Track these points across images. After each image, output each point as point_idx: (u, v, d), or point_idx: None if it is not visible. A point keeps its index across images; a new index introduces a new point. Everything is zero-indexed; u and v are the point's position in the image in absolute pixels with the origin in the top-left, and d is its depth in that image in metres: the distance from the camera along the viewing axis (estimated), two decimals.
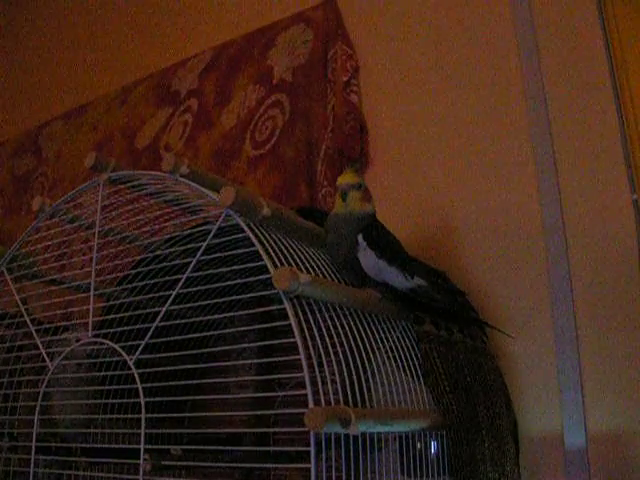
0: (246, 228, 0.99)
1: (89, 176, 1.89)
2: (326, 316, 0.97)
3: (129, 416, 1.13)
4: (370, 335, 1.05)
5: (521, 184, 1.48)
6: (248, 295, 1.03)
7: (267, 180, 1.81)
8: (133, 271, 1.28)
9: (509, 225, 1.48)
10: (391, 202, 1.60)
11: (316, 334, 0.92)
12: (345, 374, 0.93)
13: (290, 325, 0.90)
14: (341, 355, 0.95)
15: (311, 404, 0.85)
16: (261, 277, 0.96)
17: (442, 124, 1.64)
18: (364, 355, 1.00)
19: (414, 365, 1.12)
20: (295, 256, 1.03)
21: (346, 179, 1.16)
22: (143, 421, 1.03)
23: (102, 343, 1.15)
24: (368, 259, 1.12)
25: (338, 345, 0.95)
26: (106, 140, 2.43)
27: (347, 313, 1.03)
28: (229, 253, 1.05)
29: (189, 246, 1.14)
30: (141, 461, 1.02)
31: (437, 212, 1.59)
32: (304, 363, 0.87)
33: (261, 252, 0.95)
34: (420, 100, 1.69)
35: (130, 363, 1.07)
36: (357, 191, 1.16)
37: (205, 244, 1.03)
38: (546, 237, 1.42)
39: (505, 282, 1.46)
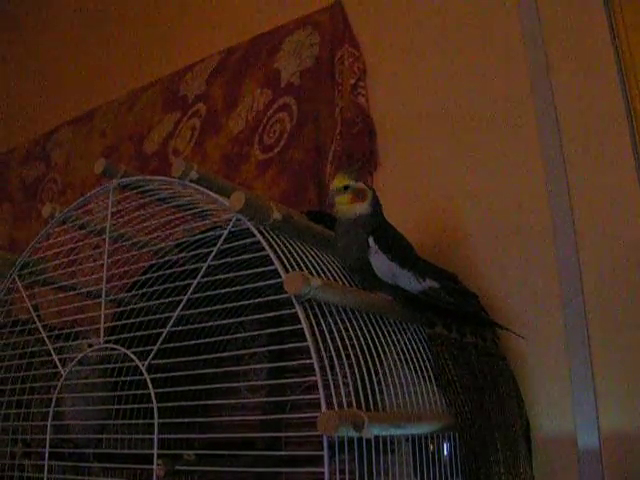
0: (257, 233, 0.99)
1: (98, 182, 1.90)
2: (337, 319, 0.97)
3: (142, 421, 1.13)
4: (381, 338, 1.05)
5: (530, 185, 1.48)
6: (259, 300, 1.03)
7: (276, 183, 1.81)
8: (143, 277, 1.28)
9: (519, 226, 1.48)
10: (401, 204, 1.60)
11: (327, 337, 0.92)
12: (357, 377, 0.93)
13: (301, 329, 0.90)
14: (353, 358, 0.95)
15: (324, 408, 0.85)
16: (272, 281, 0.96)
17: (451, 125, 1.63)
18: (375, 358, 1.00)
19: (426, 367, 1.12)
20: (306, 260, 1.02)
21: (334, 185, 1.16)
22: (156, 426, 1.03)
23: (113, 349, 1.15)
24: (380, 262, 1.12)
25: (350, 348, 0.95)
26: (114, 146, 2.44)
27: (358, 316, 1.03)
28: (239, 258, 1.05)
29: (199, 251, 1.14)
30: (154, 466, 1.03)
31: (447, 213, 1.59)
32: (316, 366, 0.87)
33: (272, 256, 0.95)
34: (428, 101, 1.69)
35: (142, 368, 1.07)
36: (344, 194, 1.16)
37: (216, 249, 1.03)
38: (556, 238, 1.42)
39: (515, 283, 1.45)
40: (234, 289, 1.09)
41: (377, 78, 1.79)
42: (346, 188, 1.16)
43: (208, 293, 1.10)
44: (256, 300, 1.04)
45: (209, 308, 1.14)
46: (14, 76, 3.17)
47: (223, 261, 1.07)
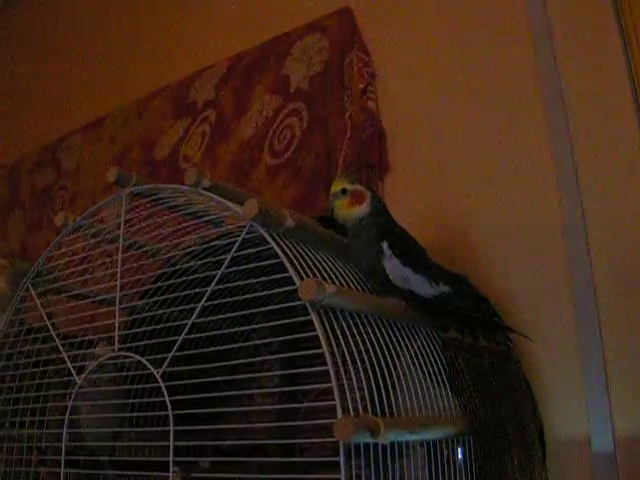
0: (270, 240, 0.99)
1: (109, 188, 1.91)
2: (351, 324, 0.97)
3: (157, 429, 1.13)
4: (394, 342, 1.05)
5: (541, 187, 1.48)
6: (275, 306, 1.03)
7: (286, 189, 1.81)
8: (155, 285, 1.28)
9: (529, 228, 1.48)
10: (411, 207, 1.60)
11: (342, 343, 0.92)
12: (372, 382, 0.93)
13: (314, 335, 0.90)
14: (367, 363, 0.95)
15: (339, 414, 0.86)
16: (286, 288, 0.96)
17: (460, 128, 1.63)
18: (389, 363, 1.00)
19: (439, 371, 1.12)
20: (319, 266, 1.02)
21: (331, 189, 1.17)
22: (172, 433, 1.03)
23: (127, 357, 1.16)
24: (394, 267, 1.11)
25: (364, 353, 0.95)
26: (124, 152, 2.44)
27: (372, 321, 1.03)
28: (254, 265, 1.05)
29: (211, 259, 1.14)
30: (170, 473, 1.03)
31: (457, 217, 1.59)
32: (332, 372, 0.87)
33: (286, 264, 0.96)
34: (438, 105, 1.69)
35: (157, 376, 1.07)
36: (341, 198, 1.16)
37: (229, 256, 1.03)
38: (567, 240, 1.41)
39: (527, 285, 1.45)
40: (248, 296, 1.09)
41: (387, 82, 1.79)
42: (344, 192, 1.16)
43: (218, 301, 1.10)
44: (270, 307, 1.04)
45: (219, 316, 1.14)
46: (24, 83, 3.18)
47: (236, 268, 1.07)
